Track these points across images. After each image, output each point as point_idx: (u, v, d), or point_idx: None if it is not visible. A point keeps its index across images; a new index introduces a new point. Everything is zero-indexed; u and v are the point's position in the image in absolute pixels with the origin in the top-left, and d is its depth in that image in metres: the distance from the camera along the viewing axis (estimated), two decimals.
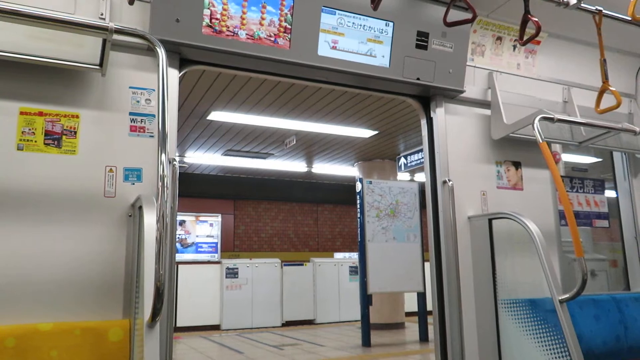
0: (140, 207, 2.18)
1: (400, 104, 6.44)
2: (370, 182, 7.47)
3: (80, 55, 2.32)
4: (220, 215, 12.21)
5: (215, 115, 6.83)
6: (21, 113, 2.29)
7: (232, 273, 9.81)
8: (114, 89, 2.48)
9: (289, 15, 2.78)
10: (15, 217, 2.20)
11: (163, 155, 1.89)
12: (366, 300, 7.38)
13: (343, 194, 12.53)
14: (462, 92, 3.35)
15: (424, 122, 3.46)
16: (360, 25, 2.98)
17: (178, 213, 2.60)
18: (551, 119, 3.00)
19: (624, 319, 3.26)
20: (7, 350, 1.98)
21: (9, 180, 2.21)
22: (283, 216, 13.37)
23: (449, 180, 3.24)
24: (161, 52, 2.03)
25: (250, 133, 7.77)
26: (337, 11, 2.90)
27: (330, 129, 7.50)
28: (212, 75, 5.44)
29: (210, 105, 6.46)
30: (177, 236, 11.35)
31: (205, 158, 9.40)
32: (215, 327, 9.54)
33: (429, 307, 5.48)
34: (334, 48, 2.93)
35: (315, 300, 10.36)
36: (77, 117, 2.38)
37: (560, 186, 2.73)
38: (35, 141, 2.29)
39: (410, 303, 9.00)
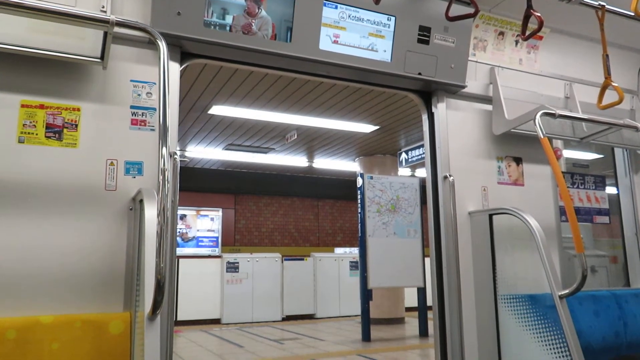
0: (141, 201, 2.18)
1: (401, 99, 6.43)
2: (371, 178, 7.47)
3: (82, 48, 2.32)
4: (221, 210, 12.22)
5: (217, 110, 6.82)
6: (22, 106, 2.29)
7: (232, 267, 9.83)
8: (115, 82, 2.47)
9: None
10: (16, 210, 2.20)
11: (164, 148, 1.89)
12: (366, 295, 7.40)
13: (344, 189, 12.52)
14: (463, 87, 3.34)
15: (425, 117, 3.46)
16: (362, 19, 2.97)
17: (179, 207, 2.60)
18: (553, 115, 2.99)
19: (624, 315, 3.27)
20: (7, 342, 1.99)
21: (9, 173, 2.21)
22: (284, 211, 13.38)
23: (450, 176, 3.24)
24: (162, 45, 2.02)
25: (251, 127, 7.77)
26: (339, 5, 2.89)
27: (332, 124, 7.49)
28: (213, 69, 5.44)
29: (211, 99, 6.45)
30: (178, 230, 11.36)
31: (206, 152, 9.41)
32: (216, 321, 9.57)
33: (429, 302, 5.50)
34: (335, 42, 2.92)
35: (316, 295, 10.39)
36: (78, 110, 2.38)
37: (561, 182, 2.72)
38: (36, 134, 2.29)
39: (411, 298, 9.03)
